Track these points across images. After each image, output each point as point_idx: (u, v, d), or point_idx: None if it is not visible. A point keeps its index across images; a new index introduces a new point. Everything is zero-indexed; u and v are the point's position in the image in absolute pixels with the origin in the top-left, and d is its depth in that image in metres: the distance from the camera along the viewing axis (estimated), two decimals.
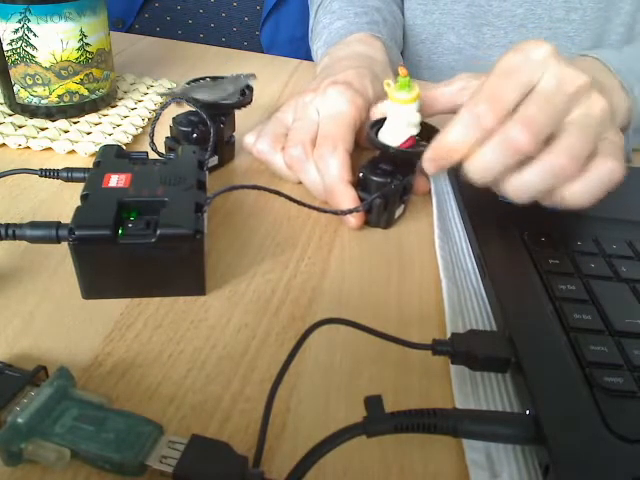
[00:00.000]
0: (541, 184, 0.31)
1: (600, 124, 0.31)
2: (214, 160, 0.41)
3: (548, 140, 0.31)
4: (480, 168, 0.32)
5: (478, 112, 0.31)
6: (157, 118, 0.39)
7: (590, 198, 0.32)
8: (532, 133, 0.30)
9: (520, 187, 0.32)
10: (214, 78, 0.41)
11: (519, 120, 0.30)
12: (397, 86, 0.34)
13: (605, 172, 0.31)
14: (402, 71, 0.33)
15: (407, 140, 0.35)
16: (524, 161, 0.31)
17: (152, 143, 0.37)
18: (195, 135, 0.39)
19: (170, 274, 0.29)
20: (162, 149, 0.40)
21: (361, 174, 0.36)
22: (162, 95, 0.38)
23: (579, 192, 0.31)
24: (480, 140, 0.31)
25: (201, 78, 0.41)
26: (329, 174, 0.36)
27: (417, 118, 0.35)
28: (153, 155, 0.34)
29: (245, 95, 0.41)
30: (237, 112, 0.42)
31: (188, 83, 0.41)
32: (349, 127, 0.38)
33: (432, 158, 0.33)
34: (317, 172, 0.37)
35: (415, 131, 0.35)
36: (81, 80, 0.44)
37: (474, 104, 0.31)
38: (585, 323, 0.27)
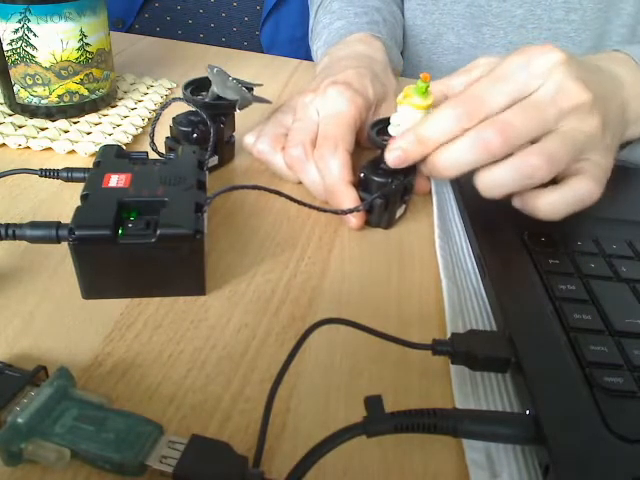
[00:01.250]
0: (512, 182, 0.31)
1: (586, 141, 0.31)
2: (214, 160, 0.41)
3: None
4: (448, 161, 0.32)
5: (457, 112, 0.31)
6: (157, 118, 0.39)
7: (561, 213, 0.32)
8: (505, 137, 0.30)
9: (490, 182, 0.32)
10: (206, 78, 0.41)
11: (495, 122, 0.30)
12: (413, 89, 0.34)
13: (582, 191, 0.31)
14: (424, 76, 0.33)
15: None
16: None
17: (152, 143, 0.37)
18: (195, 135, 0.39)
19: (170, 274, 0.29)
20: (162, 149, 0.40)
21: (362, 174, 0.36)
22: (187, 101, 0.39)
23: (552, 204, 0.32)
24: (454, 137, 0.31)
25: (200, 78, 0.41)
26: (330, 174, 0.36)
27: None
28: (153, 155, 0.34)
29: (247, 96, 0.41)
30: (237, 112, 0.42)
31: (186, 87, 0.40)
32: (349, 127, 0.38)
33: (403, 145, 0.33)
34: (317, 172, 0.37)
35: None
36: (81, 80, 0.44)
37: (456, 103, 0.32)
38: (585, 323, 0.27)
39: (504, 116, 0.30)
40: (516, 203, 0.33)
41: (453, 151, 0.32)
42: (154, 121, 0.38)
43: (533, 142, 0.31)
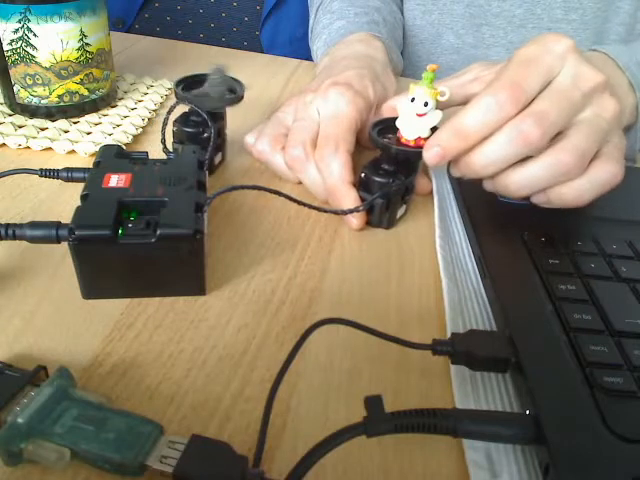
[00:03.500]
0: (544, 179, 0.31)
1: (609, 126, 0.31)
2: (218, 157, 0.41)
3: (556, 136, 0.31)
4: (486, 158, 0.31)
5: (499, 98, 0.30)
6: (165, 123, 0.38)
7: (588, 198, 0.32)
8: (544, 128, 0.29)
9: (522, 181, 0.31)
10: (198, 75, 0.41)
11: (532, 113, 0.30)
12: (420, 82, 0.33)
13: (606, 175, 0.31)
14: (430, 67, 0.33)
15: (416, 139, 0.35)
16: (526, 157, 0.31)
17: (165, 148, 0.37)
18: (196, 135, 0.39)
19: (170, 274, 0.29)
20: (162, 149, 0.40)
21: (363, 174, 0.36)
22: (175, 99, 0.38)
23: (578, 191, 0.32)
24: (495, 128, 0.30)
25: (189, 77, 0.41)
26: (331, 175, 0.36)
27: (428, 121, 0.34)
28: (153, 155, 0.34)
29: (236, 93, 0.40)
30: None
31: (177, 85, 0.40)
32: (350, 128, 0.38)
33: (442, 141, 0.31)
34: (317, 172, 0.37)
35: (424, 134, 0.34)
36: (81, 80, 0.44)
37: (495, 90, 0.30)
38: (585, 323, 0.27)
39: (539, 106, 0.30)
40: (539, 198, 0.33)
41: (492, 146, 0.30)
42: (163, 126, 0.38)
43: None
